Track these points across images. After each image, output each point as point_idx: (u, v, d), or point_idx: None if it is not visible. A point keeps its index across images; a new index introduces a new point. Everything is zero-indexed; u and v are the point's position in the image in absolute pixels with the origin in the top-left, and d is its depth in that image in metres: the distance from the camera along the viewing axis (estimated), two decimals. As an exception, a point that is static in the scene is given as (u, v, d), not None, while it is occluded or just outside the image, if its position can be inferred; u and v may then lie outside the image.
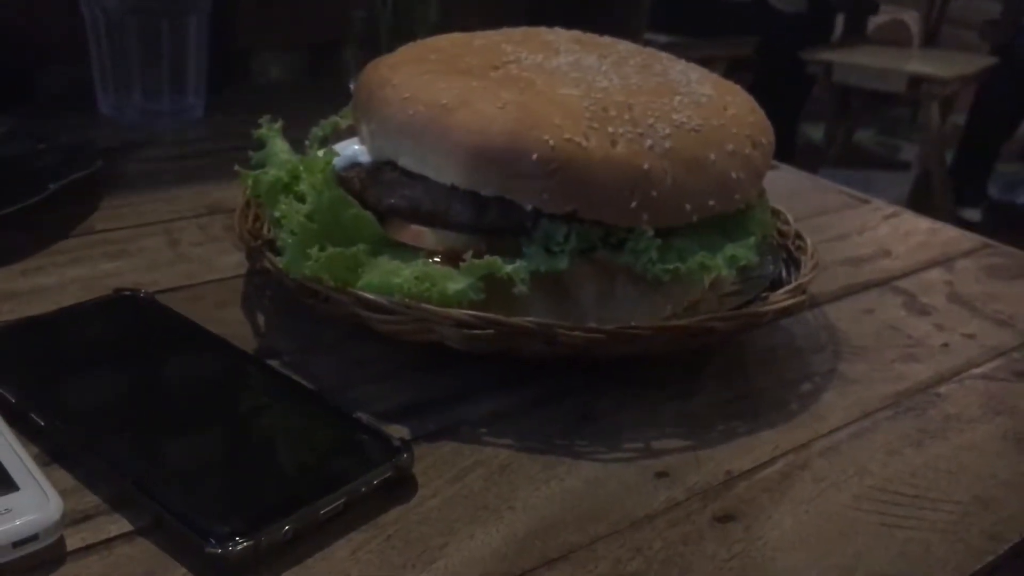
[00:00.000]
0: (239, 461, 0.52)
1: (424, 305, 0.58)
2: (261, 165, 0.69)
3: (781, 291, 0.66)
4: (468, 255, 0.60)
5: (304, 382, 0.59)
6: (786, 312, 0.65)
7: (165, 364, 0.60)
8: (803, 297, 0.66)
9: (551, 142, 0.60)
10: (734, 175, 0.65)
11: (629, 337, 0.59)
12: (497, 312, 0.61)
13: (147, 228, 0.80)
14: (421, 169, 0.63)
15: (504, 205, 0.62)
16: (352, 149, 0.68)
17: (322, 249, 0.60)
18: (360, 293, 0.59)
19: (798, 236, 0.76)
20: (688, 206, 0.63)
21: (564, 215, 0.62)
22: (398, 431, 0.57)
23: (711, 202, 0.64)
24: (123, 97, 1.03)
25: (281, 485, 0.51)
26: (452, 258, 0.62)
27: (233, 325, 0.66)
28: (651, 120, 0.64)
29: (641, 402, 0.63)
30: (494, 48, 0.72)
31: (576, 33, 0.78)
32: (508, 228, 0.62)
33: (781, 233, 0.79)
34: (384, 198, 0.64)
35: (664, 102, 0.66)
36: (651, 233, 0.63)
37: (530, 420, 0.60)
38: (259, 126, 0.72)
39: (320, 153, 0.65)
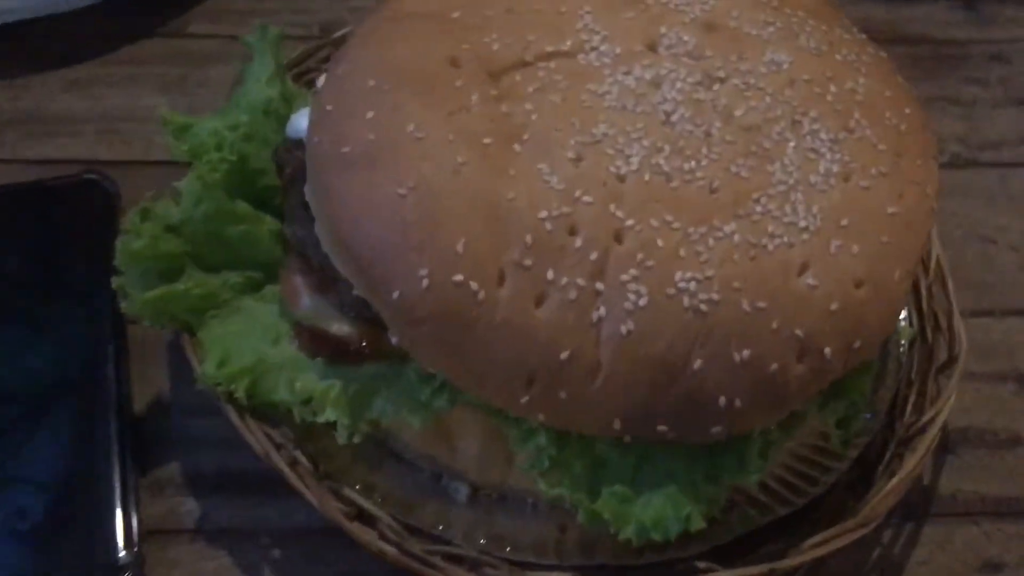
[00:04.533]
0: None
1: (228, 410, 0.47)
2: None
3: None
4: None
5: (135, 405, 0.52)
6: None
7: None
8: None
9: (426, 281, 0.41)
10: (723, 400, 0.41)
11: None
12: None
13: (235, 46, 0.69)
14: (314, 212, 0.46)
15: (392, 305, 0.45)
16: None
17: (171, 274, 0.48)
18: (194, 350, 0.49)
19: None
20: (618, 424, 0.42)
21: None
22: (175, 509, 0.50)
23: (662, 427, 0.42)
24: None
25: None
26: (316, 341, 0.48)
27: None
28: (633, 271, 0.41)
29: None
30: (567, 15, 0.48)
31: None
32: (394, 332, 0.46)
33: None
34: (286, 220, 0.49)
35: (694, 234, 0.42)
36: (543, 439, 0.43)
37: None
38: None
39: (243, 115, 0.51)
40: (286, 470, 0.45)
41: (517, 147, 0.43)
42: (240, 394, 0.46)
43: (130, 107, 0.66)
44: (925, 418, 0.50)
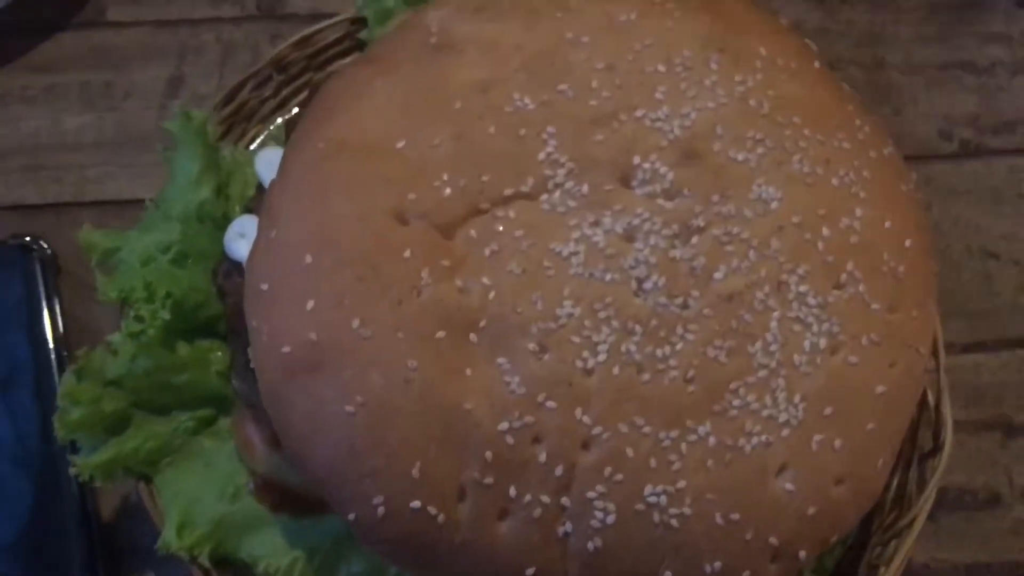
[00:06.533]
0: None
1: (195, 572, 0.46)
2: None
3: None
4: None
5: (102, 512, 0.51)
6: None
7: None
8: None
9: (382, 509, 0.39)
10: (693, 605, 0.40)
11: None
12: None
13: (162, 35, 0.62)
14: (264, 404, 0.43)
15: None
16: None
17: (118, 426, 0.46)
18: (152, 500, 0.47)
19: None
20: (587, 624, 0.41)
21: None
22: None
23: (634, 628, 0.41)
24: None
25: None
26: (274, 495, 0.46)
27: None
28: (600, 488, 0.39)
29: None
30: (527, 140, 0.42)
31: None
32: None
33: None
34: (233, 371, 0.46)
35: (666, 439, 0.39)
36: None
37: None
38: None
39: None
40: (257, 637, 0.45)
41: (473, 337, 0.40)
42: (204, 560, 0.45)
43: (55, 131, 0.60)
44: (903, 521, 0.49)
